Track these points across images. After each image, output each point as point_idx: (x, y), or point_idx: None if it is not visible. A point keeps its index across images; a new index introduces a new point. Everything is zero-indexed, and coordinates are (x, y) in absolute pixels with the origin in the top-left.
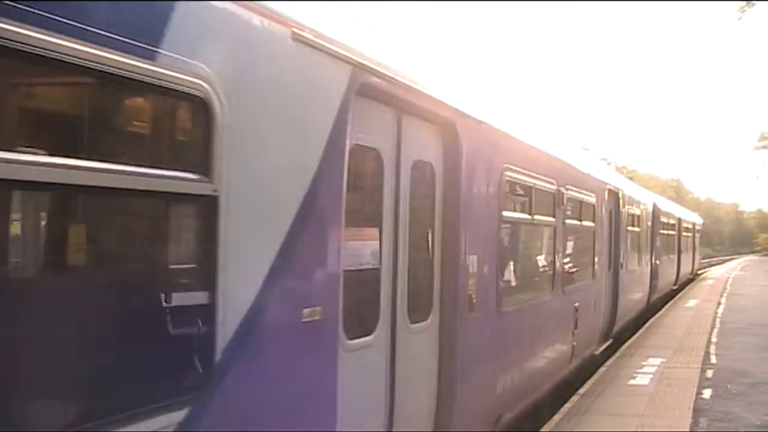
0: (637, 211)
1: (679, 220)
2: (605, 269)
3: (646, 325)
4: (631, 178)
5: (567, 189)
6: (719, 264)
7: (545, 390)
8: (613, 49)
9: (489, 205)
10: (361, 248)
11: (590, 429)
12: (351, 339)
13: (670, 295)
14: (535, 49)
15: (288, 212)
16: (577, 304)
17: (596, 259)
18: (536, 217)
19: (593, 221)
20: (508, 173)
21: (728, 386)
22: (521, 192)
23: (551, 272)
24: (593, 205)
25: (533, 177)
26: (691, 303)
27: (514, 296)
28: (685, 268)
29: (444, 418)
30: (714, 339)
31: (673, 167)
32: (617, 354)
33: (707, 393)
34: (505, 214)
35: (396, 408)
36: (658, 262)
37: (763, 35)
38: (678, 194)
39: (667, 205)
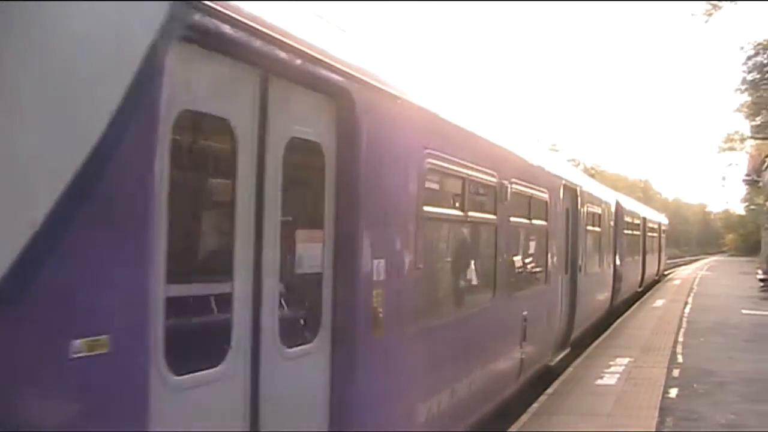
0: (598, 210)
1: (644, 219)
2: (561, 272)
3: (612, 326)
4: (592, 175)
5: (512, 183)
6: (686, 264)
7: (488, 411)
8: (581, 49)
9: (404, 198)
10: (197, 252)
11: (558, 429)
12: (180, 374)
13: (635, 298)
14: (506, 49)
15: (38, 199)
16: (525, 313)
17: (550, 262)
18: (471, 213)
19: (546, 220)
20: (432, 160)
21: (694, 385)
22: (450, 184)
23: (492, 277)
24: (546, 202)
25: (466, 167)
26: (659, 303)
27: (441, 308)
28: (651, 270)
29: None
30: (681, 339)
31: (642, 168)
32: (585, 354)
33: (674, 392)
34: (427, 209)
35: None
36: (621, 263)
37: (729, 38)
38: (646, 194)
39: (630, 204)
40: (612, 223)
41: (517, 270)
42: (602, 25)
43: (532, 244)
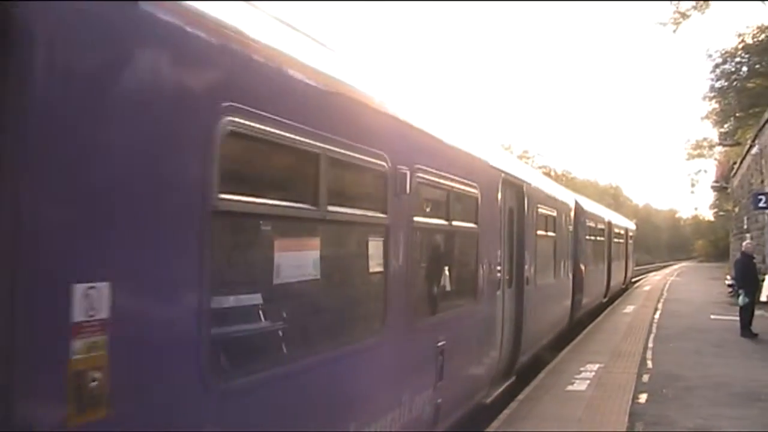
0: (552, 212)
1: (610, 224)
2: (501, 286)
3: (582, 334)
4: (549, 175)
5: (417, 171)
6: (657, 270)
7: None
8: (553, 57)
9: (165, 179)
10: None
11: None
12: None
13: (600, 310)
14: (477, 56)
15: None
16: (442, 343)
17: (481, 274)
18: (334, 209)
19: (475, 222)
20: (239, 120)
21: (664, 390)
22: (287, 163)
23: (380, 299)
24: (476, 200)
25: (323, 139)
26: (629, 309)
27: (271, 353)
28: (617, 278)
29: None
30: (650, 344)
31: (612, 174)
32: (556, 360)
33: (643, 397)
34: (231, 200)
35: None
36: (583, 272)
37: (697, 46)
38: (617, 201)
39: (593, 207)
40: (571, 228)
41: (427, 288)
42: (572, 33)
43: (454, 253)
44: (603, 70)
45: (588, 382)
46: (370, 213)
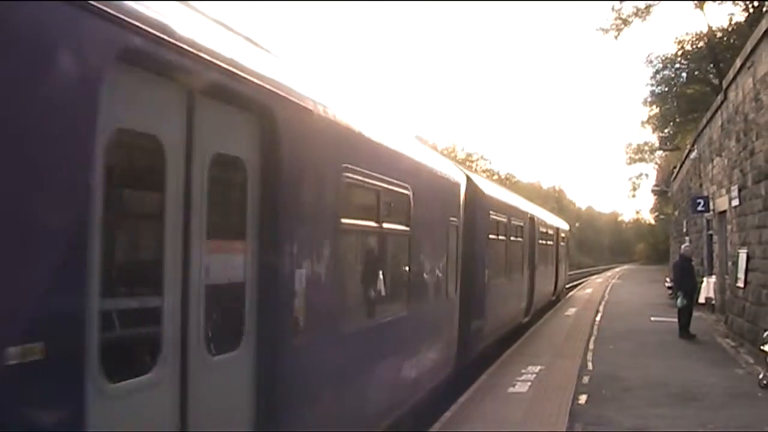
0: (404, 191)
1: (533, 221)
2: (242, 344)
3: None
4: (492, 178)
5: None
6: (598, 273)
7: None
8: (496, 59)
9: None
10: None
11: None
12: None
13: (517, 334)
14: (420, 60)
15: None
16: None
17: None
18: None
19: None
20: None
21: (603, 391)
22: None
23: None
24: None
25: None
26: (571, 312)
27: None
28: (544, 290)
29: None
30: (591, 346)
31: (555, 177)
32: (498, 362)
33: (583, 398)
34: None
35: None
36: (485, 288)
37: (637, 52)
38: (560, 204)
39: (503, 195)
40: (456, 222)
41: None
42: (514, 37)
43: None
44: (546, 73)
45: (529, 383)
46: None
